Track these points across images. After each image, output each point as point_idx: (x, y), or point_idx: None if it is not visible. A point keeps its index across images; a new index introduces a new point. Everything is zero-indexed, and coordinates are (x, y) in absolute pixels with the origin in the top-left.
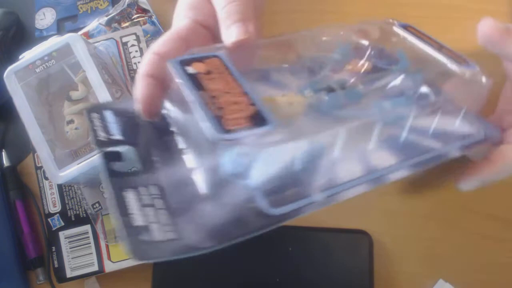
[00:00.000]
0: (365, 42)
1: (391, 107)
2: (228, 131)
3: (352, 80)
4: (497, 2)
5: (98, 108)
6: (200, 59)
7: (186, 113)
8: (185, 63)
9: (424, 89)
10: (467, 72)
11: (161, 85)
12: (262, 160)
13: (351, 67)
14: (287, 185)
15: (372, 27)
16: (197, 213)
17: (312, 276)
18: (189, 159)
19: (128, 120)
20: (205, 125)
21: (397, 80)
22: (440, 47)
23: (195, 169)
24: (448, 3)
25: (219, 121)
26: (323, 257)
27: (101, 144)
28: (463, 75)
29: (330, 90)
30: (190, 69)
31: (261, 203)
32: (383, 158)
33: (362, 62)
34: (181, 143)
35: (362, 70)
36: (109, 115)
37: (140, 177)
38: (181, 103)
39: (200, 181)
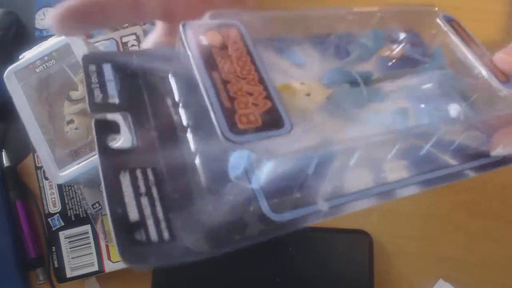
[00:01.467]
0: (399, 27)
1: (415, 119)
2: (239, 132)
3: (378, 75)
4: (498, 2)
5: (97, 59)
6: (217, 28)
7: (193, 87)
8: (200, 30)
9: (455, 107)
10: (504, 90)
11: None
12: (270, 164)
13: (381, 53)
14: (292, 189)
15: (413, 13)
16: (195, 209)
17: (312, 276)
18: (192, 142)
19: (129, 79)
20: (215, 120)
21: (427, 86)
22: (482, 55)
23: (197, 155)
24: (449, 3)
25: (231, 117)
26: (323, 257)
27: (96, 108)
28: (499, 92)
29: (353, 84)
30: (204, 40)
31: (263, 204)
32: (397, 169)
33: (393, 48)
34: (185, 120)
35: (392, 55)
36: (107, 70)
37: (137, 157)
38: (189, 74)
39: (202, 171)
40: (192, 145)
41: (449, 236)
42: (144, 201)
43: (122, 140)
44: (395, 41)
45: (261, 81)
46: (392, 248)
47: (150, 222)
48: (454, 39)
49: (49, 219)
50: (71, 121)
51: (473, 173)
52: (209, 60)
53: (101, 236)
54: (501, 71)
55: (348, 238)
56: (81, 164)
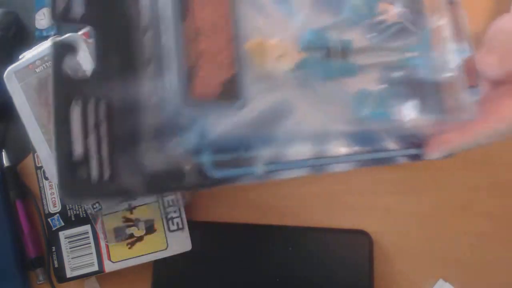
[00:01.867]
0: None
1: (373, 105)
2: (194, 98)
3: (359, 45)
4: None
5: None
6: None
7: (162, 20)
8: None
9: (413, 103)
10: (465, 94)
11: None
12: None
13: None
14: (236, 148)
15: None
16: (139, 153)
17: (312, 276)
18: (151, 79)
19: None
20: (175, 81)
21: (401, 71)
22: (464, 50)
23: (150, 96)
24: None
25: (191, 80)
26: (323, 257)
27: (57, 18)
28: (459, 95)
29: (328, 54)
30: None
31: (205, 161)
32: (338, 145)
33: (387, 11)
34: (148, 52)
35: (384, 19)
36: None
37: (93, 84)
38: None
39: (153, 114)
40: (149, 84)
41: (449, 236)
42: (91, 138)
43: (80, 65)
44: (392, 2)
45: (234, 39)
46: (392, 248)
47: (93, 161)
48: (445, 24)
49: (49, 219)
50: None
51: (407, 160)
52: (186, 3)
53: (101, 236)
54: (473, 73)
55: (348, 238)
56: None
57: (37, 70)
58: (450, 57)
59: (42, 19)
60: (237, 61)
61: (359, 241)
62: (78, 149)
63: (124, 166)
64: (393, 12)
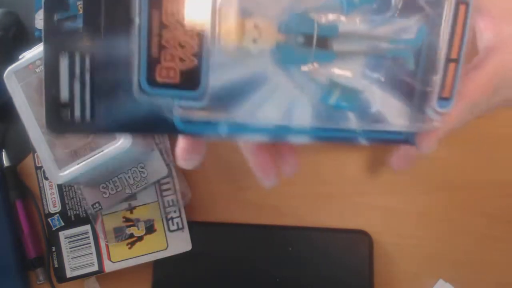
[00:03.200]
0: None
1: (336, 99)
2: (154, 84)
3: (345, 30)
4: None
5: None
6: None
7: None
8: None
9: (376, 107)
10: (434, 107)
11: None
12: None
13: None
14: (211, 106)
15: None
16: (117, 101)
17: (312, 276)
18: (133, 40)
19: None
20: (136, 68)
21: (382, 60)
22: (450, 60)
23: (133, 55)
24: None
25: (153, 68)
26: (323, 257)
27: None
28: (429, 107)
29: (308, 40)
30: None
31: (176, 118)
32: (302, 115)
33: None
34: (134, 13)
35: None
36: None
37: (80, 40)
38: None
39: (137, 70)
40: (130, 43)
41: (449, 236)
42: (76, 84)
43: (70, 20)
44: None
45: (200, 33)
46: (392, 248)
47: (76, 104)
48: (446, 27)
49: (49, 219)
50: None
51: (367, 142)
52: None
53: (101, 236)
54: (453, 84)
55: (348, 238)
56: (81, 164)
57: (37, 70)
58: (438, 62)
59: (42, 19)
60: (200, 54)
61: (359, 241)
62: (64, 93)
63: (104, 109)
64: None
